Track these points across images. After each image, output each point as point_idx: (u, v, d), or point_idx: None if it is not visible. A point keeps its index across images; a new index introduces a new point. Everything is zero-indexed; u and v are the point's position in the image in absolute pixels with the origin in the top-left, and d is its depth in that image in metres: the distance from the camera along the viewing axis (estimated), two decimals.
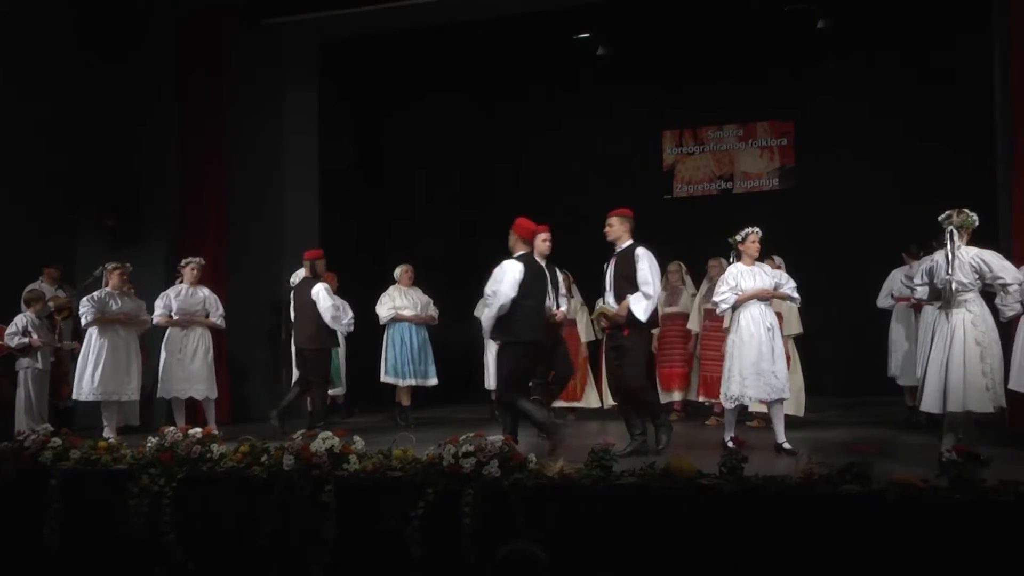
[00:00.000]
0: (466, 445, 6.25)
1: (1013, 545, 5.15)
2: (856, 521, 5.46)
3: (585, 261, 10.22)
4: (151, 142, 11.27)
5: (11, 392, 9.39)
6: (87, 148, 11.15)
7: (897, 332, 9.98)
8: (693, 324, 10.35)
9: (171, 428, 7.36)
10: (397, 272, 10.90)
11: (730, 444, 7.92)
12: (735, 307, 8.18)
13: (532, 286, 8.18)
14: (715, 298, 8.26)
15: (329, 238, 12.02)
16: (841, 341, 10.88)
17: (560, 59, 13.23)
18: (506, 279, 8.06)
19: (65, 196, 11.13)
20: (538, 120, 13.79)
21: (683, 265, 10.56)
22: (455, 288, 11.83)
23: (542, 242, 8.83)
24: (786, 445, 7.89)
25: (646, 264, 7.99)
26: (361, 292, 11.18)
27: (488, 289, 8.50)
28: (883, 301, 10.16)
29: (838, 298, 10.82)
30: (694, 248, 10.77)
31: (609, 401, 10.28)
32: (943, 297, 7.19)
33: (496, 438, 6.37)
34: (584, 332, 10.70)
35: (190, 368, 9.72)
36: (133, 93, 11.24)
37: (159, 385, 9.78)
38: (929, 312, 8.64)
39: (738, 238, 8.29)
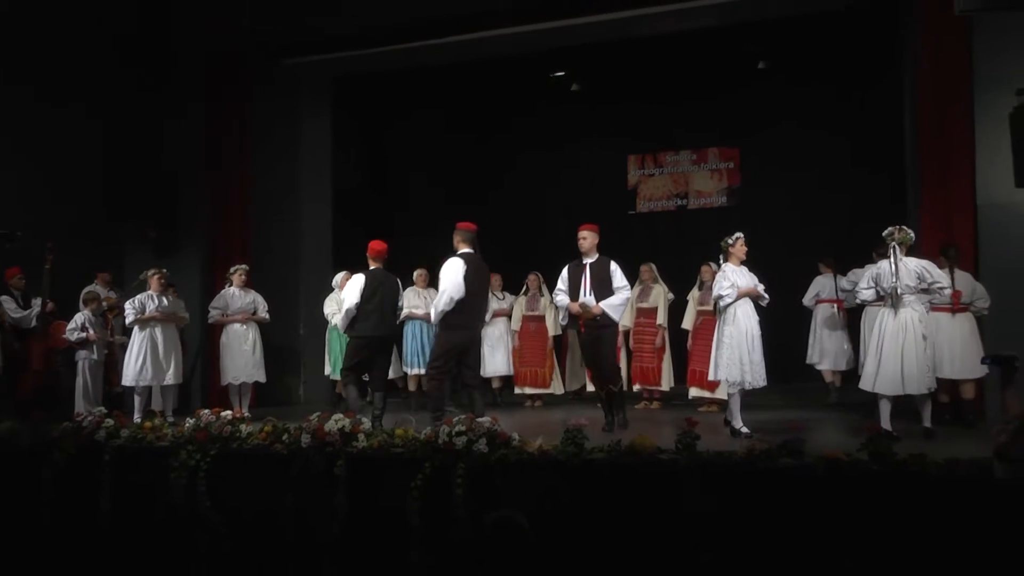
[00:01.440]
0: (458, 425, 6.26)
1: (919, 506, 5.25)
2: (791, 489, 5.51)
3: (560, 265, 10.23)
4: (186, 164, 11.26)
5: (71, 379, 9.37)
6: (132, 170, 11.12)
7: (827, 325, 10.03)
8: (626, 320, 10.04)
9: (205, 411, 7.36)
10: (414, 275, 10.79)
11: (744, 430, 7.61)
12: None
13: (374, 293, 8.52)
14: (721, 292, 7.85)
15: (341, 245, 12.02)
16: (771, 334, 10.86)
17: (540, 93, 13.23)
18: (349, 291, 8.56)
19: (114, 212, 11.10)
20: (522, 144, 13.78)
21: None
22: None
23: (581, 240, 8.87)
24: (744, 429, 7.68)
25: (442, 273, 8.07)
26: None
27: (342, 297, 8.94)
28: (808, 301, 10.21)
29: (772, 297, 10.83)
30: (654, 256, 10.72)
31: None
32: (891, 299, 7.42)
33: (485, 419, 6.38)
34: (552, 327, 10.60)
35: (249, 357, 9.80)
36: (170, 121, 11.26)
37: (222, 373, 9.86)
38: (870, 311, 8.92)
39: (730, 241, 8.03)
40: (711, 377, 8.31)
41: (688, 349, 9.82)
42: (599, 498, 5.88)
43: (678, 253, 12.35)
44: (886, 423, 7.31)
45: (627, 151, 13.78)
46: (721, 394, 9.31)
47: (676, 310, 10.18)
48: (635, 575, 5.67)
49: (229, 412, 7.23)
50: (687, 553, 5.58)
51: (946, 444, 6.66)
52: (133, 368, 9.33)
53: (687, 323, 9.88)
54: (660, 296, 10.05)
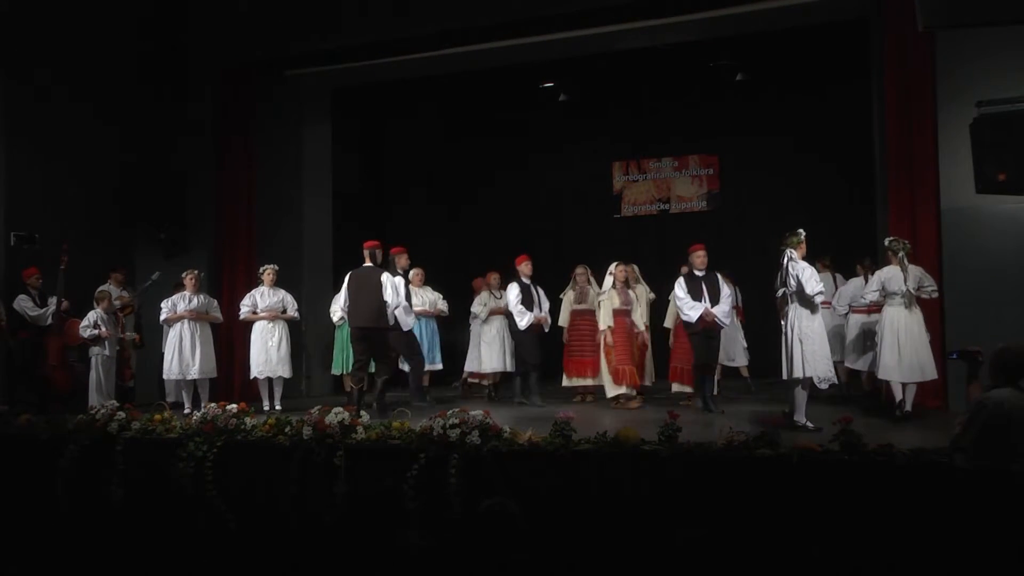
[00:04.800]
0: (452, 418, 6.26)
1: (886, 491, 5.29)
2: (768, 477, 5.52)
3: (550, 266, 10.26)
4: (195, 170, 11.26)
5: (85, 374, 9.34)
6: (144, 174, 11.09)
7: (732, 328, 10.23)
8: (608, 319, 9.75)
9: (212, 404, 7.36)
10: (411, 275, 10.60)
11: (809, 425, 7.31)
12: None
13: (357, 287, 8.92)
14: (819, 289, 7.50)
15: (340, 246, 12.02)
16: (750, 331, 10.90)
17: (530, 103, 13.24)
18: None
19: (127, 214, 11.11)
20: (513, 151, 13.79)
21: (588, 269, 10.32)
22: (446, 288, 11.72)
23: (405, 260, 9.78)
24: (809, 424, 7.39)
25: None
26: None
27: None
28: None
29: (751, 296, 10.86)
30: (637, 257, 10.71)
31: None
32: (904, 299, 7.86)
33: (477, 412, 6.37)
34: (601, 321, 9.78)
35: (274, 353, 9.72)
36: (181, 130, 11.27)
37: (251, 367, 9.81)
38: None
39: (800, 238, 7.70)
40: (786, 376, 7.69)
41: (670, 346, 9.78)
42: (585, 486, 5.88)
43: (660, 255, 12.39)
44: (909, 405, 7.78)
45: (612, 158, 13.79)
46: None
47: (658, 309, 10.19)
48: (619, 557, 5.68)
49: (234, 406, 7.22)
50: (668, 536, 5.59)
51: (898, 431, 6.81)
52: (168, 363, 9.50)
53: (668, 322, 9.82)
54: (642, 296, 10.02)
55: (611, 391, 9.44)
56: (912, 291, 7.84)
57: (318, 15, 10.77)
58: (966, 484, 4.81)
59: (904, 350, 7.77)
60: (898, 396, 7.86)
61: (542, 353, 9.87)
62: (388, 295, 8.87)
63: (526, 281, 9.87)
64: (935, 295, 8.03)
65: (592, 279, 10.23)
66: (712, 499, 5.59)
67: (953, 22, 6.94)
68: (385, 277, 8.97)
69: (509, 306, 9.82)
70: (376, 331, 8.94)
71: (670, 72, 12.04)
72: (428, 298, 10.59)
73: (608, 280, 9.62)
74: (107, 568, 6.97)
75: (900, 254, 7.86)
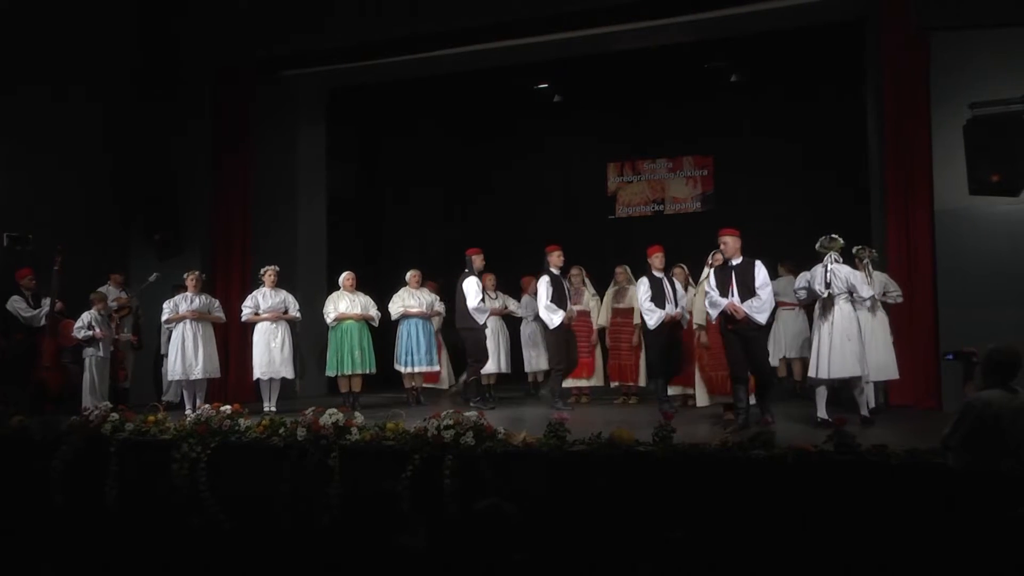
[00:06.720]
0: (446, 419, 6.25)
1: (881, 492, 5.29)
2: (762, 478, 5.51)
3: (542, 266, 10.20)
4: (190, 171, 11.25)
5: (79, 375, 9.31)
6: (140, 176, 11.09)
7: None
8: (602, 319, 9.94)
9: (206, 405, 7.34)
10: (407, 276, 10.56)
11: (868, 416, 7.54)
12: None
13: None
14: (868, 293, 7.65)
15: (334, 248, 12.04)
16: None
17: (524, 104, 13.23)
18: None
19: (122, 215, 11.09)
20: (507, 152, 13.79)
21: (583, 270, 10.30)
22: (441, 289, 11.70)
23: (557, 258, 9.53)
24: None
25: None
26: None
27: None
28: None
29: None
30: (631, 259, 10.68)
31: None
32: (869, 303, 7.93)
33: (471, 414, 6.36)
34: (595, 320, 10.07)
35: (277, 354, 9.69)
36: (176, 131, 11.26)
37: (254, 368, 9.76)
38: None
39: (841, 243, 7.66)
40: (826, 376, 7.58)
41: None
42: (579, 487, 5.87)
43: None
44: (864, 409, 7.72)
45: (607, 159, 13.77)
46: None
47: None
48: (614, 557, 5.66)
49: (228, 407, 7.20)
50: (663, 537, 5.57)
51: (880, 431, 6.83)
52: (171, 363, 9.49)
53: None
54: (636, 297, 9.98)
55: (703, 399, 8.74)
56: (877, 297, 8.04)
57: (314, 15, 10.76)
58: (958, 483, 4.81)
59: (874, 351, 7.89)
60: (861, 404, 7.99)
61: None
62: (469, 299, 9.40)
63: (556, 273, 9.44)
64: (900, 300, 8.31)
65: (587, 280, 10.22)
66: (707, 500, 5.58)
67: (948, 23, 6.98)
68: (465, 283, 9.46)
69: (538, 303, 9.40)
70: (463, 331, 9.57)
71: (665, 73, 12.02)
72: (426, 300, 10.50)
73: (705, 271, 8.68)
74: (102, 569, 6.95)
75: (865, 261, 8.10)
